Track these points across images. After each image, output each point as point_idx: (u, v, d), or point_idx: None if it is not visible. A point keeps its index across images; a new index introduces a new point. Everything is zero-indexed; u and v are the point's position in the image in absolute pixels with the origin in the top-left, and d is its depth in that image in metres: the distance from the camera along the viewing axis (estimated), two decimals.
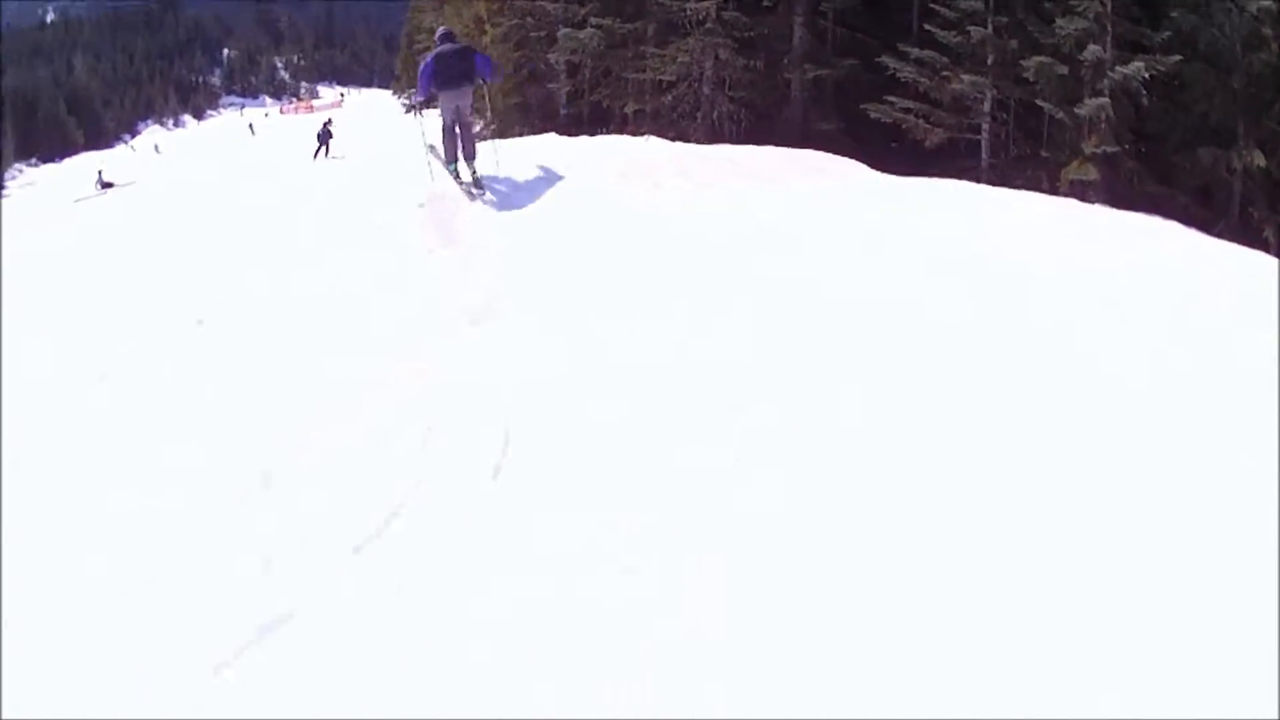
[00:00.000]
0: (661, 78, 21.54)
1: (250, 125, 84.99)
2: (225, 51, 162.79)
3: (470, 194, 11.22)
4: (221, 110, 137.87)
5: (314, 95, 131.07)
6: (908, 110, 18.67)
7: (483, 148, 12.76)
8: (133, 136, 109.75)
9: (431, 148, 12.14)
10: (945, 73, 18.42)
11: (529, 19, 24.80)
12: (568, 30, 22.82)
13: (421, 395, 5.85)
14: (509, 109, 25.92)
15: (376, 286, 8.25)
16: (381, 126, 42.68)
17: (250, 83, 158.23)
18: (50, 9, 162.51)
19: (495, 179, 12.00)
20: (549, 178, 11.75)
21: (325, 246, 9.94)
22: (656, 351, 5.77)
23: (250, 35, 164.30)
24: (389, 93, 62.56)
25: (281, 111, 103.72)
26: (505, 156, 13.10)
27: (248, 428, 5.61)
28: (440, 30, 12.17)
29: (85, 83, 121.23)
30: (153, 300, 9.37)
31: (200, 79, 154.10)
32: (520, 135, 22.66)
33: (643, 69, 21.86)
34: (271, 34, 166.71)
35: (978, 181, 13.32)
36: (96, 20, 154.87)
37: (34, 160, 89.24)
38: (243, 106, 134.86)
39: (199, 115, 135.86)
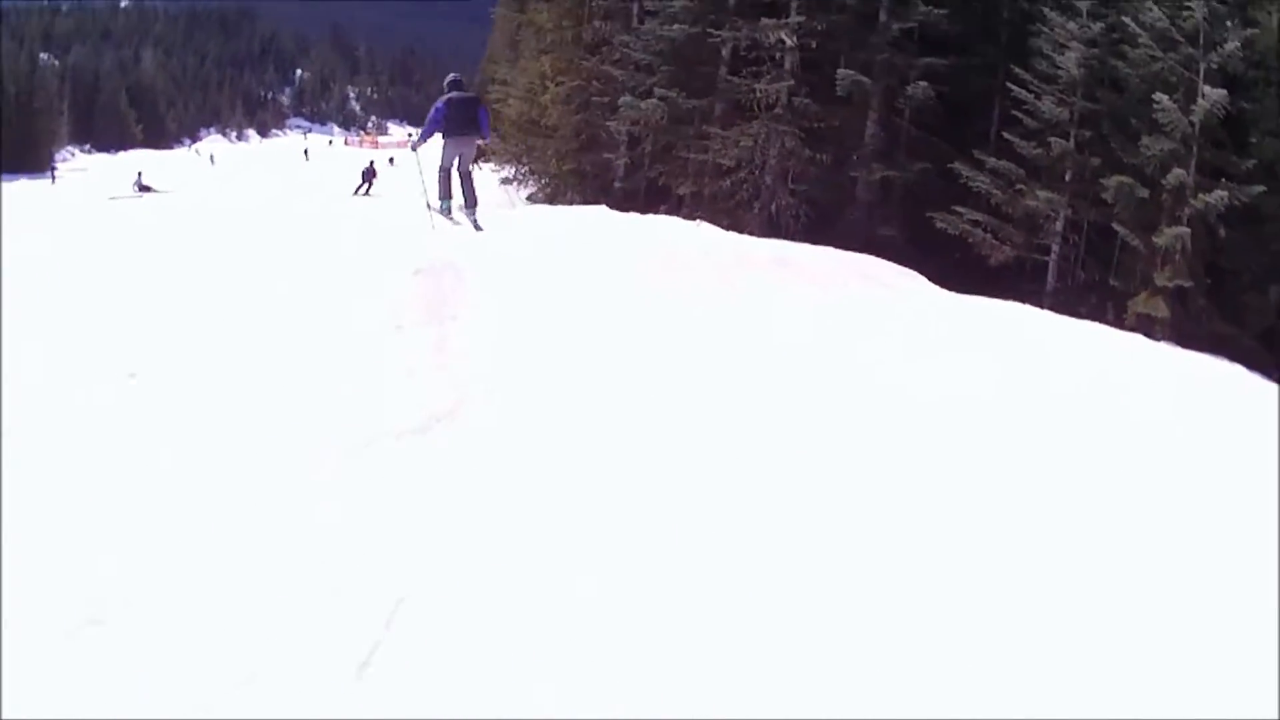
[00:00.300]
0: (722, 161, 20.95)
1: (305, 150, 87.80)
2: (298, 71, 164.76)
3: (466, 222, 12.40)
4: (287, 131, 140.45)
5: (382, 131, 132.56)
6: (976, 223, 18.10)
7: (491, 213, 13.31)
8: (194, 142, 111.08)
9: (429, 205, 12.77)
10: (1020, 186, 17.84)
11: (594, 82, 24.35)
12: (630, 99, 22.29)
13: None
14: (564, 175, 25.71)
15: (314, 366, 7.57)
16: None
17: (320, 108, 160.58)
18: None
19: (516, 245, 11.70)
20: (577, 254, 11.32)
21: (269, 304, 9.33)
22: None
23: (326, 59, 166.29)
24: None
25: (346, 143, 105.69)
26: (540, 224, 13.23)
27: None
28: (450, 77, 12.77)
29: (151, 77, 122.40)
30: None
31: (270, 95, 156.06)
32: (572, 203, 22.63)
33: (704, 149, 21.32)
34: (348, 61, 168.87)
35: (1041, 307, 12.71)
36: (171, 14, 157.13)
37: (89, 147, 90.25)
38: (309, 130, 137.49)
39: (264, 132, 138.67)
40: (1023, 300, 12.46)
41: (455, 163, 12.35)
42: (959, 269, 17.02)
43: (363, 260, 10.98)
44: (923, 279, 13.28)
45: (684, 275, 10.81)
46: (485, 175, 30.97)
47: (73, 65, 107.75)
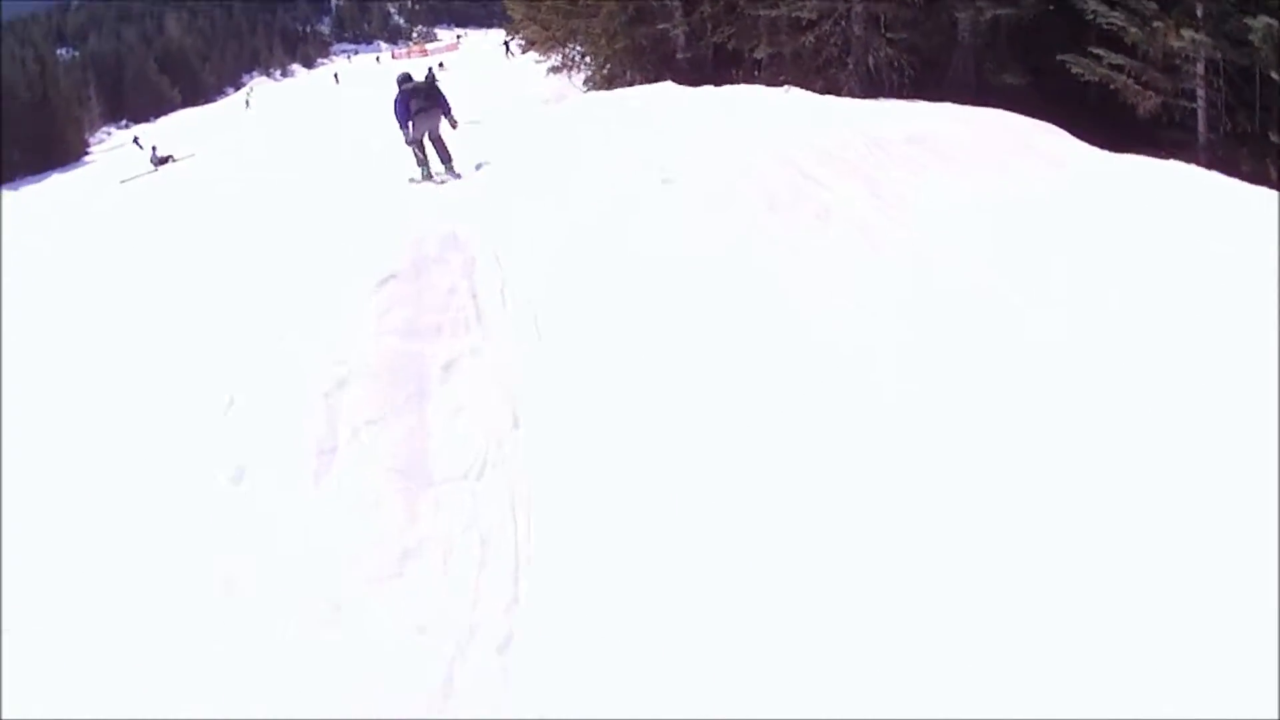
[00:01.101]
0: (799, 14, 17.93)
1: (335, 75, 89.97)
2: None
3: (446, 178, 13.53)
4: (333, 58, 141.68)
5: (429, 39, 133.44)
6: (1118, 67, 15.34)
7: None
8: (236, 89, 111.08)
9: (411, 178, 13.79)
10: (1156, 23, 14.98)
11: None
12: None
13: None
14: (616, 54, 22.85)
15: None
16: (482, 71, 41.49)
17: (363, 29, 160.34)
18: None
19: (545, 186, 9.53)
20: (634, 184, 8.68)
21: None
22: None
23: None
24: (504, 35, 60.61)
25: (394, 56, 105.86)
26: (581, 125, 13.02)
27: None
28: (399, 74, 14.58)
29: (178, 41, 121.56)
30: None
31: (308, 28, 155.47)
32: (633, 82, 21.03)
33: (775, 3, 18.29)
34: None
35: (1195, 161, 11.44)
36: None
37: (125, 122, 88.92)
38: (355, 53, 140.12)
39: (309, 64, 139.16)
40: (1173, 153, 11.48)
41: (425, 135, 13.69)
42: (1093, 118, 14.65)
43: (314, 268, 8.25)
44: (1067, 136, 11.55)
45: (797, 191, 8.24)
46: (529, 65, 29.86)
47: (91, 52, 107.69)
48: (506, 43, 44.86)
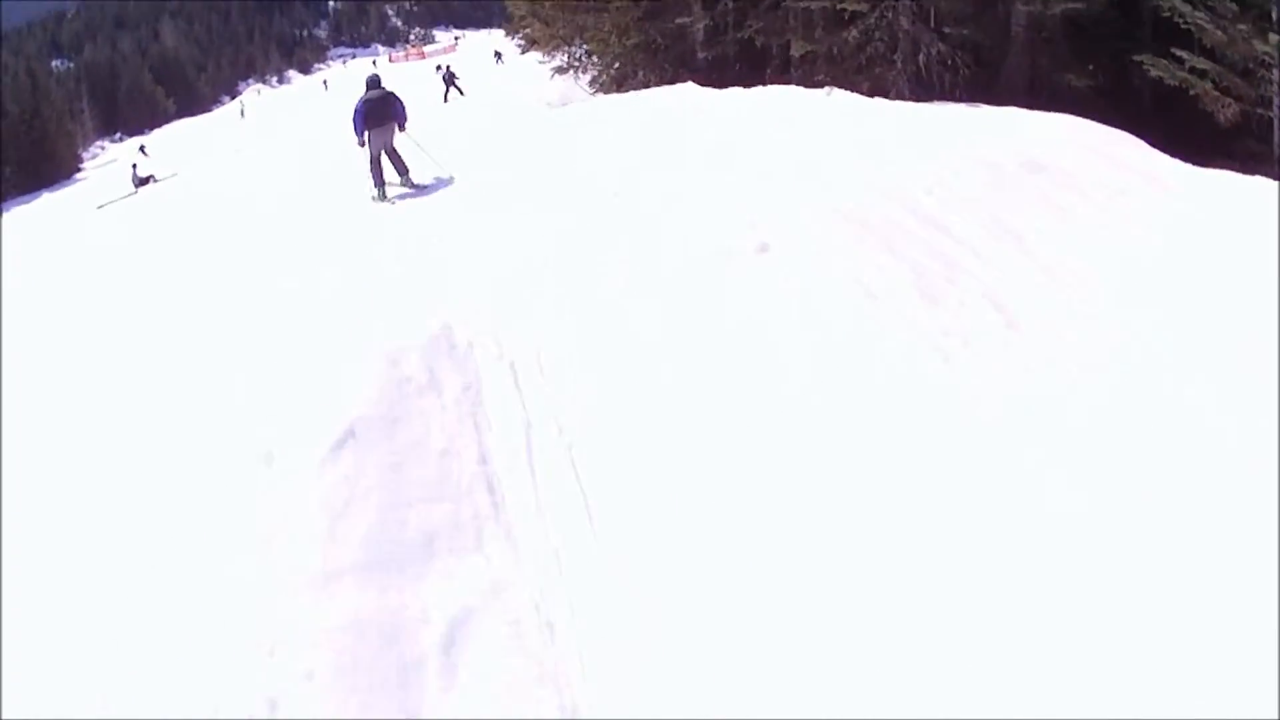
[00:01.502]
0: (844, 6, 15.85)
1: (324, 82, 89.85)
2: (330, 3, 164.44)
3: (404, 192, 13.47)
4: (329, 63, 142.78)
5: (427, 41, 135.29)
6: (1199, 72, 13.59)
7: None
8: (232, 98, 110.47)
9: (372, 196, 13.53)
10: (1241, 25, 13.24)
11: None
12: None
13: None
14: (628, 52, 20.84)
15: None
16: (480, 73, 40.15)
17: (361, 32, 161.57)
18: None
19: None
20: (721, 266, 6.46)
21: None
22: None
23: None
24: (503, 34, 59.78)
25: (391, 60, 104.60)
26: (596, 144, 11.99)
27: None
28: (369, 76, 14.67)
29: (174, 50, 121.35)
30: None
31: (305, 32, 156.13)
32: (646, 84, 19.26)
33: None
34: None
35: (1272, 174, 10.48)
36: None
37: (119, 135, 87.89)
38: (352, 56, 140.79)
39: (305, 69, 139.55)
40: (1247, 164, 11.05)
41: (380, 151, 13.73)
42: (1152, 122, 13.24)
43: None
44: (1147, 147, 10.22)
45: (945, 264, 6.21)
46: (533, 66, 28.19)
47: (86, 63, 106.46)
48: (498, 51, 45.15)
